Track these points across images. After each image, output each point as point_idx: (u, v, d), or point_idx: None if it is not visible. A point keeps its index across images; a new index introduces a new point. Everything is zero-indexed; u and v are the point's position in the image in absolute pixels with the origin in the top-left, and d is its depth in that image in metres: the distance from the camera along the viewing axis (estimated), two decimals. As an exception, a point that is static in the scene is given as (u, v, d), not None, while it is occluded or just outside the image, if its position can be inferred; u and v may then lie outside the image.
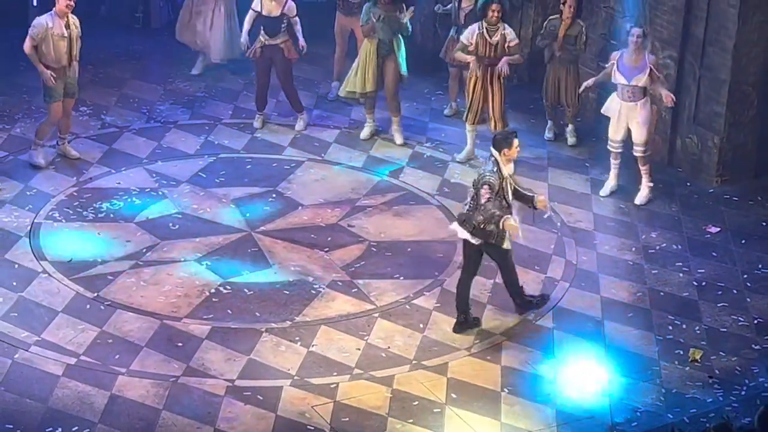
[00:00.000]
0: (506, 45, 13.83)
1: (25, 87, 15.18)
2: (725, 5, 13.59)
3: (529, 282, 11.91)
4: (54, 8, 13.42)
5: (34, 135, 13.85)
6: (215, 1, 15.91)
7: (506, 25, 13.91)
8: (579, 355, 11.10)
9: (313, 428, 10.08)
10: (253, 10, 14.64)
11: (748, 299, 12.06)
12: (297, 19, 14.65)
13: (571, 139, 15.00)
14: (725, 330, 11.57)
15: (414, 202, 13.57)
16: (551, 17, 14.73)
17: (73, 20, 13.55)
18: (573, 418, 10.33)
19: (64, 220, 12.88)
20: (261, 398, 10.37)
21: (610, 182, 13.87)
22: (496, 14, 13.73)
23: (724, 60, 13.74)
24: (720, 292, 12.13)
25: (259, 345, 11.05)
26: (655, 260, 12.66)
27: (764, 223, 13.47)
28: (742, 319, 11.73)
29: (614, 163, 13.78)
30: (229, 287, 11.86)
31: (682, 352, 11.19)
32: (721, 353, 11.20)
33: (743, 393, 10.68)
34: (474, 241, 11.08)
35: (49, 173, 13.77)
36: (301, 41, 14.69)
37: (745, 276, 12.44)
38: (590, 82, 13.81)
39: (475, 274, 11.40)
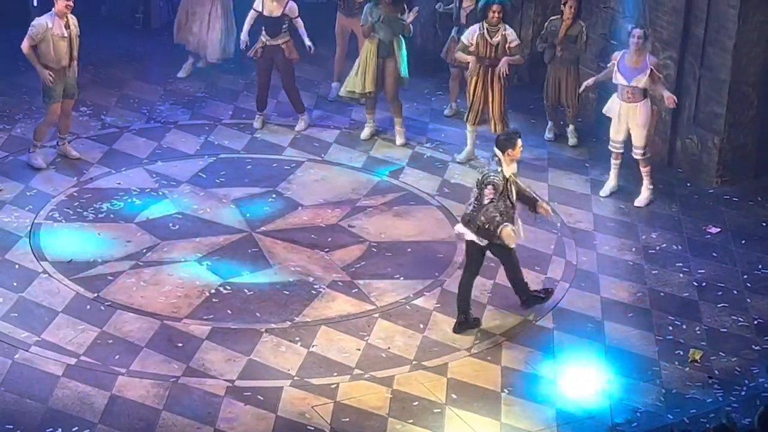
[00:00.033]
0: (507, 46, 13.83)
1: (26, 87, 15.19)
2: (725, 5, 13.60)
3: (529, 282, 11.87)
4: (53, 9, 13.43)
5: (32, 137, 13.85)
6: (212, 2, 15.90)
7: (507, 26, 13.91)
8: (579, 355, 11.11)
9: (313, 428, 10.08)
10: (254, 10, 14.64)
11: (748, 300, 12.06)
12: (300, 20, 14.64)
13: (572, 140, 15.01)
14: (725, 330, 11.57)
15: (414, 203, 13.57)
16: (552, 18, 14.74)
17: (72, 20, 13.57)
18: (573, 418, 10.33)
19: (64, 221, 12.88)
20: (261, 398, 10.38)
21: (610, 183, 13.87)
22: (496, 15, 13.73)
23: (724, 60, 13.75)
24: (720, 293, 12.14)
25: (259, 345, 11.05)
26: (655, 261, 12.66)
27: (764, 224, 13.47)
28: (741, 320, 11.73)
29: (615, 163, 13.78)
30: (229, 287, 11.87)
31: (682, 353, 11.20)
32: (721, 354, 11.20)
33: (743, 393, 10.68)
34: (480, 242, 11.09)
35: (49, 174, 13.78)
36: (308, 42, 14.68)
37: (745, 276, 12.44)
38: (591, 81, 13.83)
39: (477, 274, 11.41)
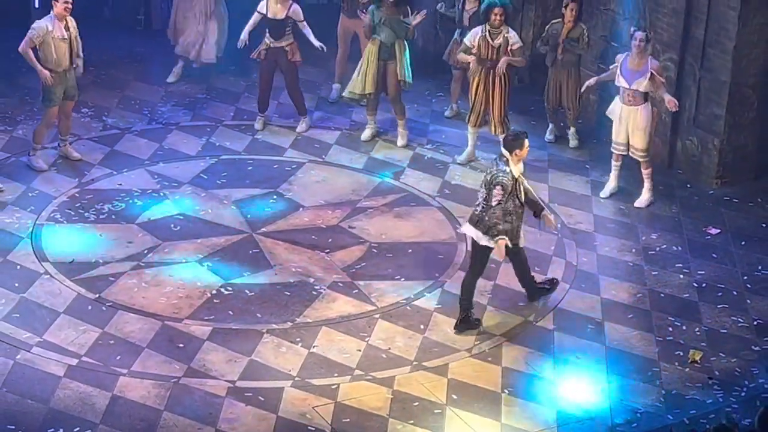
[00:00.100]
0: (509, 48, 13.85)
1: (27, 89, 15.20)
2: (725, 7, 13.62)
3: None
4: (52, 12, 13.47)
5: (32, 139, 13.88)
6: (205, 2, 15.89)
7: (510, 29, 13.94)
8: (579, 356, 11.12)
9: (314, 429, 10.10)
10: (258, 12, 14.65)
11: (748, 301, 12.08)
12: (305, 23, 14.66)
13: (573, 142, 15.03)
14: (725, 331, 11.59)
15: (415, 204, 13.59)
16: (553, 21, 14.76)
17: (71, 22, 13.60)
18: (573, 419, 10.35)
19: (65, 222, 12.90)
20: (262, 399, 10.39)
21: (611, 184, 13.89)
22: (498, 18, 13.76)
23: (724, 62, 13.77)
24: (720, 294, 12.15)
25: (260, 346, 11.07)
26: (655, 262, 12.68)
27: (764, 225, 13.49)
28: (741, 321, 11.75)
29: (615, 165, 13.80)
30: (230, 288, 11.88)
31: (682, 354, 11.21)
32: (720, 354, 11.22)
33: (743, 394, 10.70)
34: (489, 243, 11.12)
35: (50, 175, 13.80)
36: (317, 43, 14.68)
37: (745, 277, 12.46)
38: (592, 81, 13.86)
39: (481, 275, 11.45)
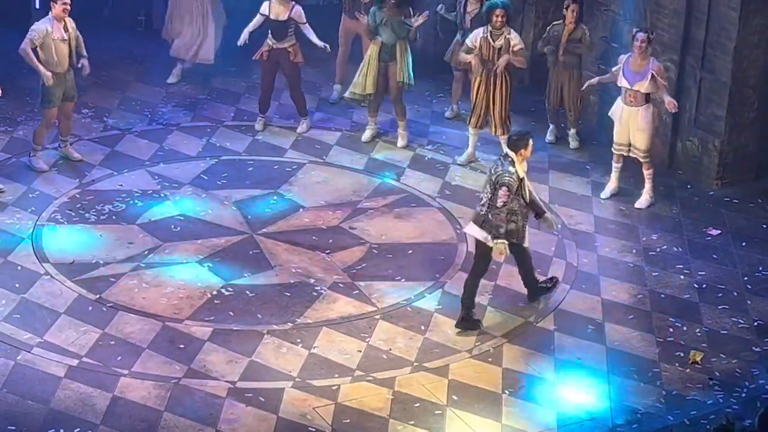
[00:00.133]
0: (510, 50, 13.85)
1: (28, 89, 15.20)
2: (726, 8, 13.62)
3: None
4: (50, 13, 13.48)
5: (32, 140, 13.89)
6: (201, 3, 15.89)
7: (511, 30, 13.94)
8: (579, 357, 11.13)
9: (314, 430, 10.10)
10: (261, 14, 14.65)
11: (749, 301, 12.08)
12: (307, 25, 14.66)
13: (573, 143, 15.04)
14: (725, 332, 11.59)
15: (415, 205, 13.59)
16: (554, 23, 14.76)
17: (70, 23, 13.62)
18: (574, 419, 10.36)
19: (66, 222, 12.90)
20: (262, 400, 10.40)
21: (611, 185, 13.89)
22: (500, 19, 13.76)
23: (724, 63, 13.77)
24: (720, 295, 12.16)
25: (260, 347, 11.08)
26: (655, 262, 12.68)
27: (765, 226, 13.49)
28: (742, 322, 11.75)
29: (616, 166, 13.80)
30: (230, 289, 11.89)
31: (682, 354, 11.21)
32: (721, 355, 11.22)
33: (743, 395, 10.71)
34: (492, 244, 11.14)
35: (51, 175, 13.80)
36: (320, 43, 14.67)
37: (746, 278, 12.46)
38: (594, 80, 13.86)
39: (484, 275, 11.46)
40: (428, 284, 12.13)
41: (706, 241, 13.13)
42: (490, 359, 11.06)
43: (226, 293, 11.82)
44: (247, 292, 11.86)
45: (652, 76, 13.18)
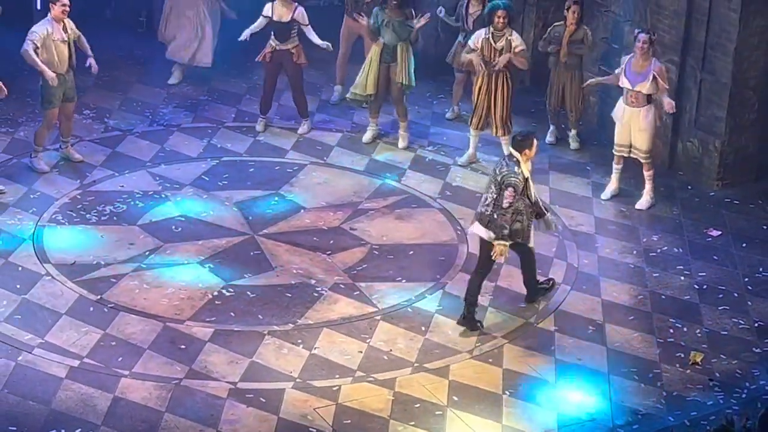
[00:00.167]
0: (512, 51, 13.85)
1: (29, 90, 15.20)
2: (726, 9, 13.64)
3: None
4: (49, 14, 13.50)
5: (33, 141, 13.90)
6: (197, 6, 15.89)
7: (513, 31, 13.95)
8: (580, 357, 11.14)
9: (315, 430, 10.11)
10: (264, 16, 14.66)
11: (749, 302, 12.09)
12: (309, 26, 14.67)
13: (573, 144, 15.05)
14: (726, 333, 11.60)
15: (416, 205, 13.60)
16: (555, 24, 14.76)
17: (69, 24, 13.64)
18: (574, 420, 10.37)
19: (67, 223, 12.92)
20: (263, 401, 10.41)
21: (612, 186, 13.90)
22: (502, 20, 13.78)
23: (725, 64, 13.78)
24: (721, 296, 12.17)
25: (261, 348, 11.09)
26: (656, 263, 12.69)
27: (765, 227, 13.50)
28: (742, 322, 11.76)
29: (616, 167, 13.80)
30: (231, 290, 11.90)
31: (682, 355, 11.22)
32: (721, 356, 11.23)
33: (744, 396, 10.72)
34: (500, 243, 11.18)
35: (52, 176, 13.82)
36: (322, 43, 14.67)
37: (746, 279, 12.47)
38: (594, 81, 13.83)
39: (488, 274, 11.49)
40: (429, 285, 12.14)
41: (706, 242, 13.14)
42: (490, 360, 11.07)
43: (227, 294, 11.84)
44: (248, 292, 11.88)
45: (654, 77, 13.19)
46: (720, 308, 11.97)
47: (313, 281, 12.10)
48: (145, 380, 10.58)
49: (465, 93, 15.35)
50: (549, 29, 14.84)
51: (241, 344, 11.10)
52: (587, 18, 14.90)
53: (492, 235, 11.21)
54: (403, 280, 12.20)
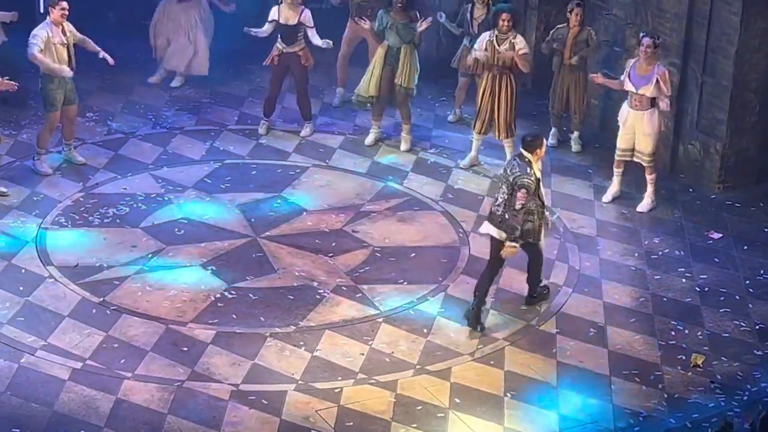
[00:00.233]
0: (516, 53, 13.86)
1: (31, 93, 15.21)
2: (727, 12, 13.65)
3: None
4: (48, 18, 13.54)
5: (36, 144, 13.93)
6: (188, 16, 15.91)
7: (518, 35, 13.97)
8: (581, 360, 11.15)
9: (317, 432, 10.16)
10: (270, 21, 14.67)
11: (750, 305, 12.10)
12: (314, 29, 14.69)
13: (575, 146, 15.06)
14: (727, 335, 11.62)
15: (418, 208, 13.62)
16: (558, 26, 14.78)
17: (68, 26, 13.68)
18: (576, 422, 10.38)
19: (70, 226, 12.94)
20: (265, 402, 10.43)
21: (613, 188, 13.92)
22: (506, 23, 13.79)
23: (726, 67, 13.80)
24: (722, 298, 12.18)
25: (263, 350, 11.11)
26: (657, 266, 12.71)
27: (766, 230, 13.51)
28: (744, 325, 11.77)
29: (617, 171, 13.81)
30: (233, 292, 11.92)
31: (684, 358, 11.24)
32: (723, 358, 11.25)
33: (745, 398, 10.73)
34: (511, 245, 11.21)
35: (55, 179, 13.84)
36: (323, 43, 14.67)
37: (747, 282, 12.49)
38: (601, 77, 13.72)
39: (499, 271, 11.49)
40: (431, 287, 12.16)
41: (707, 245, 13.16)
42: (492, 362, 11.09)
43: (230, 296, 11.86)
44: (251, 295, 11.90)
45: (657, 80, 13.20)
46: (721, 311, 11.98)
47: (315, 283, 12.12)
48: (147, 382, 10.60)
49: (468, 97, 15.37)
50: (552, 31, 14.85)
51: (243, 346, 11.12)
52: (588, 21, 14.91)
53: (504, 234, 11.25)
54: (405, 283, 12.21)
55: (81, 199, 13.46)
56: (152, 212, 13.23)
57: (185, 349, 11.06)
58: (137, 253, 12.46)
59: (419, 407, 10.46)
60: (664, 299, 12.14)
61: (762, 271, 12.67)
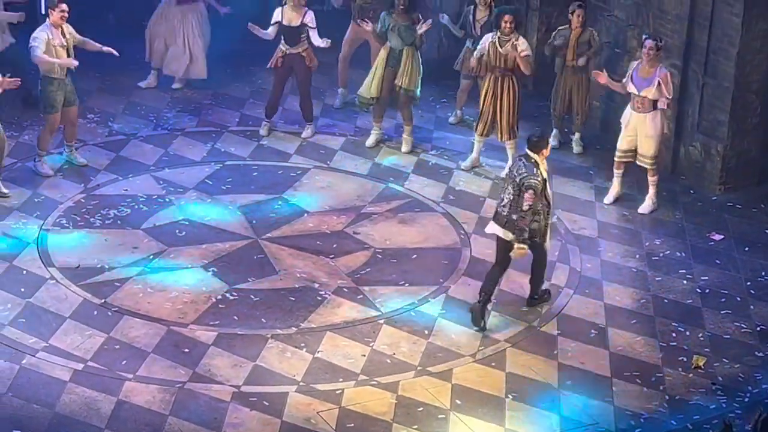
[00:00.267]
0: (518, 55, 13.85)
1: (33, 94, 15.23)
2: (729, 14, 13.66)
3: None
4: (48, 20, 13.55)
5: (36, 146, 13.94)
6: (184, 20, 15.91)
7: (520, 36, 13.96)
8: (583, 361, 11.15)
9: (318, 434, 10.16)
10: (273, 23, 14.67)
11: (752, 306, 12.11)
12: (316, 30, 14.69)
13: (576, 148, 15.06)
14: (728, 337, 11.62)
15: (419, 210, 13.62)
16: (560, 28, 14.78)
17: (67, 28, 13.68)
18: (577, 424, 10.38)
19: (71, 227, 12.95)
20: (267, 404, 10.43)
21: (614, 190, 13.92)
22: (509, 25, 13.79)
23: (727, 68, 13.81)
24: (723, 300, 12.18)
25: (264, 351, 11.11)
26: (658, 267, 12.71)
27: (767, 231, 13.51)
28: (745, 326, 11.78)
29: (617, 172, 13.81)
30: (235, 294, 11.92)
31: (685, 359, 11.24)
32: (724, 360, 11.25)
33: (746, 400, 10.73)
34: (520, 247, 11.23)
35: (56, 180, 13.85)
36: (322, 43, 14.66)
37: (749, 283, 12.49)
38: (605, 77, 13.68)
39: (507, 269, 11.53)
40: (432, 289, 12.16)
41: (709, 246, 13.16)
42: (493, 363, 11.09)
43: (231, 298, 11.86)
44: (252, 296, 11.90)
45: (659, 83, 13.20)
46: (722, 312, 11.98)
47: (316, 285, 12.12)
48: (148, 383, 10.61)
49: (470, 99, 15.37)
50: (554, 33, 14.85)
51: (245, 348, 11.12)
52: (589, 22, 14.92)
53: (510, 234, 11.26)
54: (406, 284, 12.22)
55: (82, 201, 13.47)
56: (153, 214, 13.24)
57: (186, 350, 11.07)
58: (138, 255, 12.47)
59: (420, 408, 10.47)
60: (666, 301, 12.15)
61: (763, 273, 12.67)
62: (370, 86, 14.62)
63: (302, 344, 11.23)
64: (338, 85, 16.06)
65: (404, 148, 14.88)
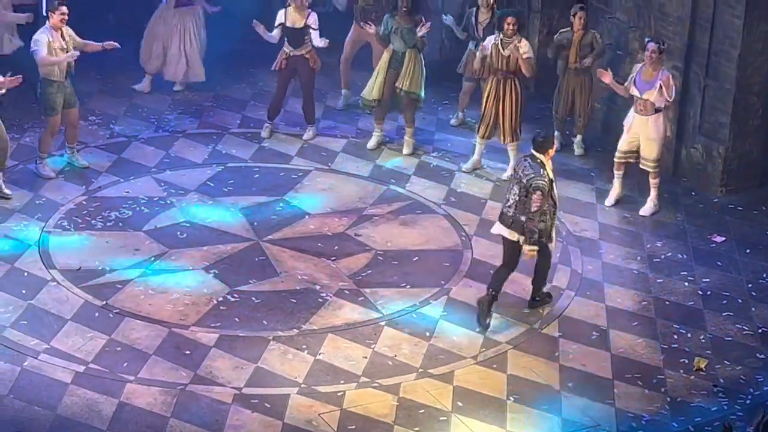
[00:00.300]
0: (519, 57, 13.86)
1: (34, 96, 15.24)
2: (730, 15, 13.66)
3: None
4: (48, 23, 13.57)
5: (38, 148, 13.95)
6: (180, 23, 15.92)
7: (523, 39, 13.97)
8: (584, 363, 11.15)
9: (319, 436, 10.15)
10: (278, 25, 14.67)
11: (753, 308, 12.10)
12: (317, 32, 14.69)
13: (578, 150, 15.07)
14: (730, 339, 11.62)
15: (420, 211, 13.63)
16: (562, 30, 14.79)
17: (67, 30, 13.69)
18: (578, 426, 10.38)
19: (72, 229, 12.95)
20: (268, 406, 10.43)
21: (615, 191, 13.92)
22: (511, 27, 13.80)
23: (729, 70, 13.81)
24: (725, 302, 12.18)
25: (266, 353, 11.11)
26: (660, 269, 12.71)
27: (769, 233, 13.55)
28: (746, 328, 11.78)
29: (617, 173, 13.81)
30: (236, 295, 11.93)
31: (686, 361, 11.24)
32: (725, 362, 11.24)
33: (748, 402, 10.73)
34: (525, 245, 11.22)
35: (57, 182, 13.85)
36: (322, 43, 14.65)
37: (750, 285, 12.49)
38: (609, 78, 13.65)
39: (514, 269, 11.55)
40: (433, 291, 12.16)
41: (710, 248, 13.16)
42: (495, 366, 11.09)
43: (232, 300, 11.86)
44: (253, 298, 11.90)
45: (660, 85, 13.20)
46: (724, 314, 11.98)
47: (317, 287, 12.13)
48: (150, 385, 10.61)
49: (472, 101, 15.38)
50: (556, 35, 14.87)
51: (246, 350, 11.13)
52: (591, 24, 14.92)
53: (517, 235, 11.26)
54: (408, 286, 12.22)
55: (84, 203, 13.47)
56: (155, 215, 13.24)
57: (188, 352, 11.07)
58: (140, 257, 12.47)
59: (422, 411, 10.47)
60: (667, 303, 12.15)
61: (765, 275, 12.67)
62: (371, 89, 14.63)
63: (303, 346, 11.23)
64: (340, 86, 16.06)
65: (406, 150, 14.88)
